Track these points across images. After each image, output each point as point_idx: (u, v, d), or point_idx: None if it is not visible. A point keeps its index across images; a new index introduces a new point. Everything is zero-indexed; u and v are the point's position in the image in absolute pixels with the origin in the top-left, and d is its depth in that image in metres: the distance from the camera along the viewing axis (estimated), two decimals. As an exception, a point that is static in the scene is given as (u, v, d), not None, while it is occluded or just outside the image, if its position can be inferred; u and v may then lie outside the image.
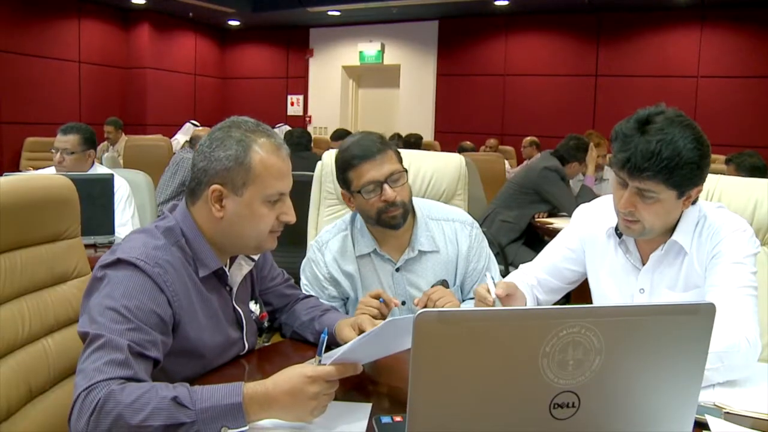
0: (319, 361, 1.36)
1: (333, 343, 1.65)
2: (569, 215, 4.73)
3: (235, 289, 1.73)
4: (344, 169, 2.15)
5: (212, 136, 1.61)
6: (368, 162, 2.10)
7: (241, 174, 1.56)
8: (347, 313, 2.27)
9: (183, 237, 1.60)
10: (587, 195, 4.66)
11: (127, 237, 1.61)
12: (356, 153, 2.11)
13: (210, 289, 1.64)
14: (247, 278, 1.79)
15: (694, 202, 1.85)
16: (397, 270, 2.23)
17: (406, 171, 2.17)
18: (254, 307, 1.83)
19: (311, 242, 2.35)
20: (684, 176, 1.70)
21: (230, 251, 1.70)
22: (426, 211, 2.30)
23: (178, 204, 1.69)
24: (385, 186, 2.09)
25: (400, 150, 2.25)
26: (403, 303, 2.20)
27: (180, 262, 1.56)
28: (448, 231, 2.29)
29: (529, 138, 9.26)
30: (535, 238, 4.94)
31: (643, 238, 1.88)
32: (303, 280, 2.32)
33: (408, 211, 2.18)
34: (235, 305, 1.73)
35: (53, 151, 3.73)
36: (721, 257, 1.81)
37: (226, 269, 1.69)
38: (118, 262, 1.47)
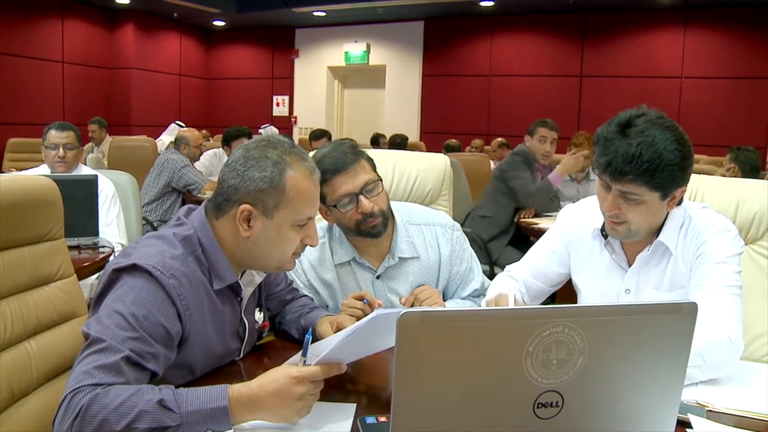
0: (304, 361, 1.35)
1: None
2: (521, 203, 4.75)
3: (245, 301, 1.71)
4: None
5: (247, 154, 1.56)
6: (341, 175, 2.03)
7: (274, 197, 1.53)
8: None
9: (200, 247, 1.56)
10: (546, 188, 4.71)
11: (144, 242, 1.56)
12: (328, 167, 2.03)
13: (223, 300, 1.62)
14: (255, 287, 1.77)
15: (679, 203, 1.86)
16: (378, 278, 2.19)
17: (381, 179, 2.11)
18: (258, 315, 1.81)
19: None
20: (666, 178, 1.70)
21: (249, 267, 1.67)
22: (406, 216, 2.24)
23: (193, 208, 1.65)
24: (361, 197, 2.04)
25: (385, 151, 2.22)
26: None
27: (196, 273, 1.53)
28: (429, 236, 2.24)
29: (497, 140, 9.23)
30: (520, 239, 4.95)
31: (630, 240, 1.89)
32: None
33: (387, 218, 2.12)
34: (243, 316, 1.71)
35: (48, 148, 3.72)
36: (705, 257, 1.82)
37: (240, 281, 1.66)
38: (134, 268, 1.44)
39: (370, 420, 1.36)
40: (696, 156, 7.33)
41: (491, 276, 3.09)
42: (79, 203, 3.06)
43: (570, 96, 10.43)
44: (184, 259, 1.52)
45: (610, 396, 1.09)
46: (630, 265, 1.95)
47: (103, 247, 3.13)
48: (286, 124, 12.48)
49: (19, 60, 9.55)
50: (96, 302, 1.46)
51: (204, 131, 9.78)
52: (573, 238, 2.08)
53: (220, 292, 1.60)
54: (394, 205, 2.23)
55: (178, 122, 9.84)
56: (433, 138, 10.83)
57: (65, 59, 10.39)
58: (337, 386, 1.56)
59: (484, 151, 9.19)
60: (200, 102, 13.14)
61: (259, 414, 1.31)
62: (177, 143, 6.21)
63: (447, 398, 1.02)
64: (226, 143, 6.41)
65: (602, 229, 1.97)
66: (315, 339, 1.67)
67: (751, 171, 4.91)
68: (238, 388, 1.31)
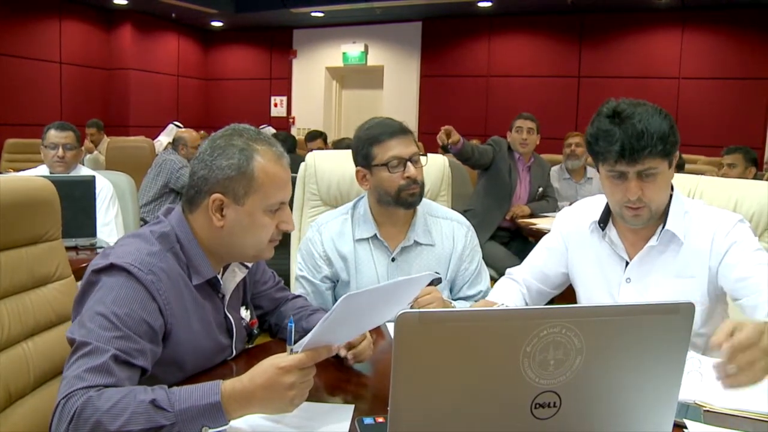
0: (291, 350, 1.33)
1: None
2: (477, 161, 4.76)
3: (227, 297, 1.71)
4: (370, 143, 2.23)
5: (213, 144, 1.58)
6: (395, 138, 2.21)
7: (243, 183, 1.54)
8: (335, 296, 2.32)
9: (178, 243, 1.57)
10: (486, 149, 4.84)
11: (121, 241, 1.57)
12: (385, 129, 2.23)
13: (204, 296, 1.62)
14: (239, 284, 1.77)
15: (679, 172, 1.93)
16: (393, 260, 2.28)
17: (426, 155, 2.29)
18: (245, 313, 1.81)
19: (311, 223, 2.43)
20: (672, 142, 1.79)
21: (227, 259, 1.67)
22: (426, 208, 2.37)
23: (172, 207, 1.66)
24: (409, 164, 2.20)
25: None
26: None
27: (174, 269, 1.54)
28: (446, 228, 2.36)
29: (474, 141, 9.29)
30: (515, 241, 4.98)
31: (645, 224, 1.90)
32: (298, 259, 2.37)
33: (423, 192, 2.27)
34: (226, 313, 1.71)
35: (48, 148, 3.71)
36: (740, 246, 1.84)
37: (220, 277, 1.66)
38: (111, 267, 1.44)
39: (368, 421, 1.36)
40: (693, 156, 7.35)
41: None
42: (76, 204, 3.06)
43: (568, 96, 10.42)
44: (161, 255, 1.52)
45: (608, 396, 1.09)
46: (628, 254, 1.98)
47: (101, 247, 3.12)
48: (284, 125, 12.46)
49: (17, 60, 9.53)
50: (77, 304, 1.46)
51: (202, 132, 9.73)
52: (571, 234, 2.12)
53: (200, 287, 1.60)
54: None
55: (175, 123, 9.85)
56: (431, 138, 10.75)
57: (63, 60, 10.37)
58: (336, 387, 1.56)
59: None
60: (198, 102, 13.11)
61: (253, 408, 1.30)
62: (175, 144, 6.21)
63: (444, 399, 1.02)
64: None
65: (600, 221, 2.01)
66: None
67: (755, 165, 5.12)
68: (230, 383, 1.30)
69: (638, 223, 1.90)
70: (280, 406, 1.31)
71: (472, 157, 4.74)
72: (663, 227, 1.90)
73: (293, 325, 1.37)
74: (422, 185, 2.25)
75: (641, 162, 1.78)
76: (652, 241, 1.92)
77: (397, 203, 2.22)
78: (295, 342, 1.35)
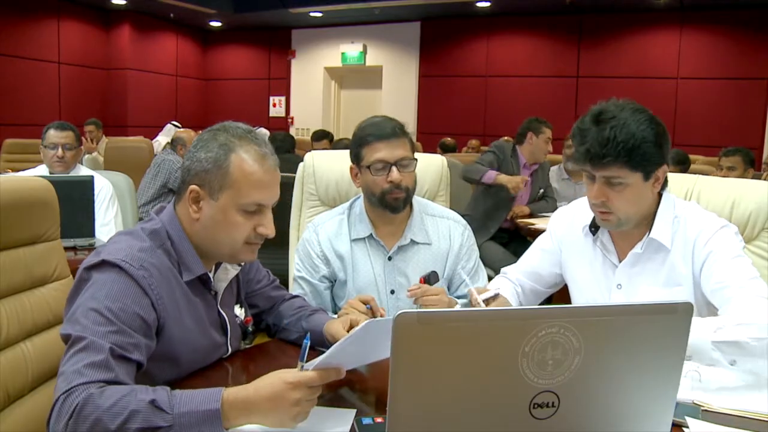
0: (302, 366, 1.33)
1: (322, 346, 1.63)
2: (465, 178, 4.77)
3: (220, 294, 1.71)
4: (359, 144, 2.23)
5: (201, 137, 1.61)
6: (382, 142, 2.18)
7: (218, 178, 1.54)
8: (333, 296, 2.33)
9: (168, 240, 1.58)
10: (475, 171, 4.76)
11: (113, 239, 1.58)
12: (373, 131, 2.20)
13: (196, 293, 1.62)
14: (233, 282, 1.77)
15: (664, 186, 1.89)
16: (389, 259, 2.28)
17: (416, 160, 2.24)
18: (239, 311, 1.81)
19: (308, 224, 2.43)
20: (643, 156, 1.75)
21: (209, 256, 1.66)
22: (422, 207, 2.38)
23: (165, 206, 1.66)
24: (394, 168, 2.17)
25: None
26: (392, 292, 2.26)
27: (165, 265, 1.54)
28: (443, 227, 2.36)
29: (473, 141, 9.41)
30: (514, 241, 4.97)
31: (620, 230, 1.90)
32: (296, 259, 2.37)
33: (410, 198, 2.26)
34: (219, 309, 1.71)
35: (47, 147, 3.70)
36: (717, 254, 1.81)
37: (211, 274, 1.67)
38: (103, 264, 1.45)
39: (367, 421, 1.36)
40: (692, 156, 7.32)
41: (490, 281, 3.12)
42: (75, 204, 3.06)
43: (566, 97, 10.42)
44: (152, 251, 1.53)
45: (606, 396, 1.09)
46: (621, 260, 1.96)
47: (100, 248, 3.11)
48: (282, 125, 12.46)
49: (15, 60, 9.53)
50: (69, 302, 1.46)
51: (200, 132, 9.77)
52: (564, 236, 2.11)
53: (192, 284, 1.61)
54: (413, 198, 2.34)
55: (174, 123, 9.83)
56: (429, 138, 10.81)
57: (61, 60, 10.37)
58: (334, 387, 1.56)
59: (481, 152, 9.19)
60: (197, 103, 13.11)
61: (254, 418, 1.30)
62: (173, 144, 6.20)
63: (443, 399, 1.02)
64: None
65: (591, 225, 1.99)
66: (327, 341, 1.68)
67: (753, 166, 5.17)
68: (233, 392, 1.29)
69: (608, 227, 1.91)
70: (281, 420, 1.30)
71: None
72: (649, 235, 1.88)
73: (309, 342, 1.36)
74: (408, 190, 2.21)
75: (605, 168, 1.77)
76: (637, 248, 1.91)
77: (382, 206, 2.22)
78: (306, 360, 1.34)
